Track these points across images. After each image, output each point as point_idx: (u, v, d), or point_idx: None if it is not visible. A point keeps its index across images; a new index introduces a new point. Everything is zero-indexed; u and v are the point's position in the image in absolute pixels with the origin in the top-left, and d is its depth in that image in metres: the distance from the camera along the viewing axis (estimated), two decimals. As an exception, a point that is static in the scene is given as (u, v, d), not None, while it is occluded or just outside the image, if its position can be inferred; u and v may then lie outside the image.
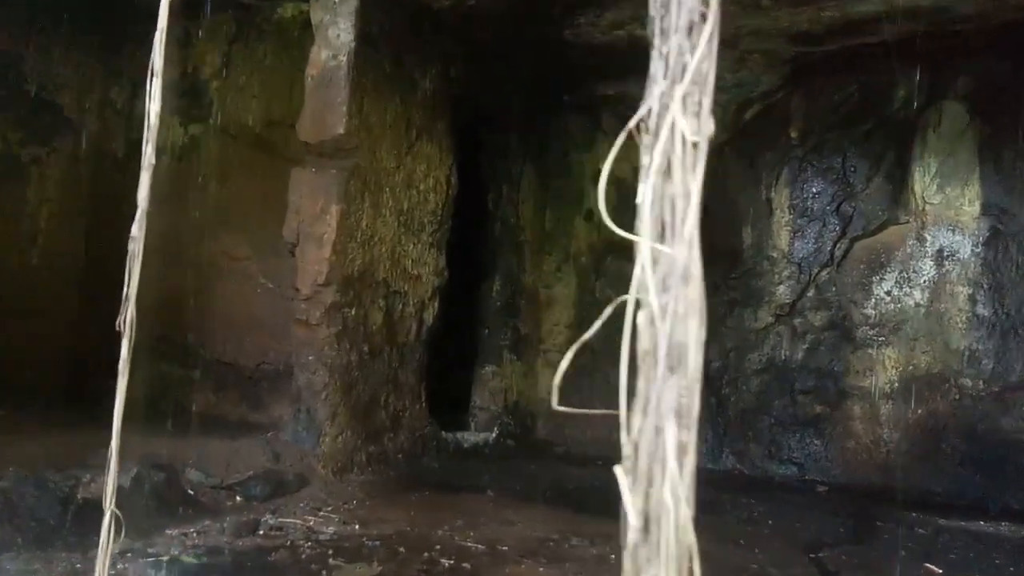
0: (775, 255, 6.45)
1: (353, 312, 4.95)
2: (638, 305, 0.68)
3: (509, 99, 6.78)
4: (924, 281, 6.03)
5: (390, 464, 5.23)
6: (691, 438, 0.63)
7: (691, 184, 0.65)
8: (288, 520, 3.88)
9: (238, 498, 4.15)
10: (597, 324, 0.76)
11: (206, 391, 5.92)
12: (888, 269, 6.15)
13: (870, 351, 6.14)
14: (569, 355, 0.77)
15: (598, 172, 7.15)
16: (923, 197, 6.05)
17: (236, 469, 4.34)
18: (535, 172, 7.18)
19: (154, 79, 1.83)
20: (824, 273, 6.34)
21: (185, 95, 6.16)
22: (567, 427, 6.89)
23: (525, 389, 7.05)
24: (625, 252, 6.96)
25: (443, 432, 6.00)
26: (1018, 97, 5.69)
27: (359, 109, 4.85)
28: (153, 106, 1.82)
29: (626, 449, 0.66)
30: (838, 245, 6.30)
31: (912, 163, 6.08)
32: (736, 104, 6.33)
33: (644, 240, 0.69)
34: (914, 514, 4.84)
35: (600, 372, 6.71)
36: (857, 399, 6.13)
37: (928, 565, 3.84)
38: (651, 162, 0.69)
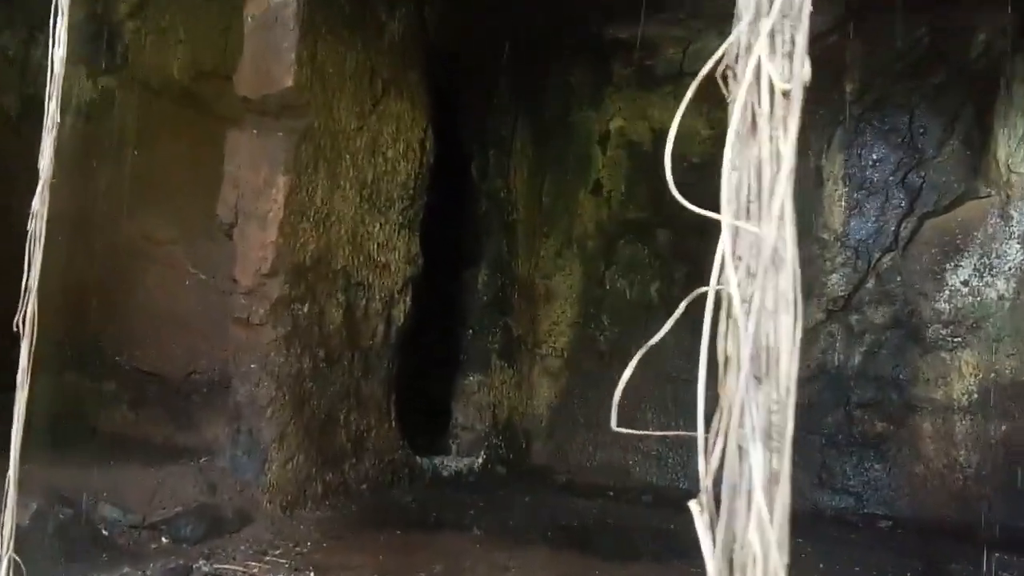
0: (826, 237, 6.47)
1: (305, 309, 4.93)
2: (718, 298, 0.67)
3: (497, 45, 6.75)
4: (1009, 268, 6.05)
5: (352, 496, 5.22)
6: (784, 465, 0.62)
7: (782, 145, 0.63)
8: (226, 567, 3.87)
9: (164, 539, 4.14)
10: (669, 323, 0.75)
11: (123, 407, 5.89)
12: (965, 254, 6.17)
13: (943, 355, 6.16)
14: (633, 363, 0.75)
15: (607, 133, 7.14)
16: (1008, 165, 6.06)
17: (161, 504, 4.32)
18: (530, 134, 7.17)
19: (59, 18, 1.80)
20: (887, 259, 6.36)
21: (94, 40, 6.11)
22: (570, 450, 6.90)
23: (518, 404, 7.04)
24: (642, 233, 6.98)
25: (417, 457, 5.99)
26: (1125, 41, 5.71)
27: (311, 57, 4.82)
28: (57, 51, 1.79)
29: (704, 479, 0.65)
30: (904, 224, 6.32)
31: (994, 123, 6.09)
32: (778, 50, 6.32)
33: (725, 217, 0.67)
34: (997, 554, 4.87)
35: (611, 379, 6.73)
36: (927, 414, 6.15)
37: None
38: (732, 118, 0.67)
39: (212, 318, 5.49)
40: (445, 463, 6.32)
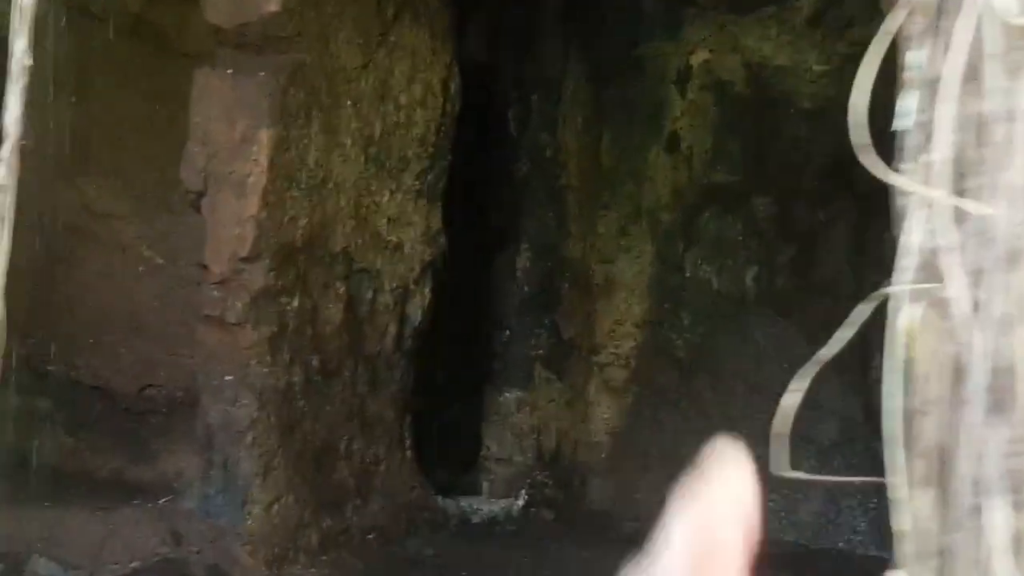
0: None
1: (296, 303, 4.95)
2: (916, 301, 0.65)
3: (542, -45, 6.74)
4: None
5: (356, 549, 5.24)
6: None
7: (1018, 98, 0.62)
8: (198, 640, 3.90)
9: (116, 604, 4.17)
10: (847, 334, 0.73)
11: (59, 431, 5.93)
12: None
13: None
14: (803, 385, 0.74)
15: (688, 70, 7.09)
16: None
17: (112, 556, 4.36)
18: (584, 74, 7.14)
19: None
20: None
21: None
22: (639, 490, 6.86)
23: (570, 428, 7.03)
24: (734, 203, 6.93)
25: (439, 497, 6.00)
26: None
27: (303, -27, 4.84)
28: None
29: (909, 544, 0.63)
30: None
31: None
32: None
33: (940, 193, 0.65)
34: None
35: (692, 396, 6.69)
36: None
37: None
38: (944, 62, 0.65)
39: (174, 316, 5.52)
40: (475, 506, 6.32)
